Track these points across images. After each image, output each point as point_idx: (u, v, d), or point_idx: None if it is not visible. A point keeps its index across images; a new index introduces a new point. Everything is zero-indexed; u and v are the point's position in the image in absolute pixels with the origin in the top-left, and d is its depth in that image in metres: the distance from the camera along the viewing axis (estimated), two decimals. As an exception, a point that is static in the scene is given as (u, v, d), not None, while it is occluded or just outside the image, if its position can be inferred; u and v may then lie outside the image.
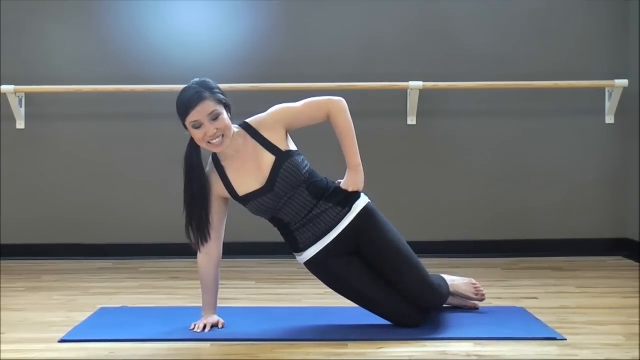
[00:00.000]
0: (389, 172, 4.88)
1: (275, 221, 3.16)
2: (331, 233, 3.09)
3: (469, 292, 3.40)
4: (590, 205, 4.93)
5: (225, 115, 3.00)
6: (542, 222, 4.93)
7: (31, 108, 4.85)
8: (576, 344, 2.91)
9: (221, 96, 3.02)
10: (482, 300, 3.42)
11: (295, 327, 3.15)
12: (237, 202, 3.13)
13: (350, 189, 3.11)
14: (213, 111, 2.96)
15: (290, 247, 3.19)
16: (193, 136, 3.02)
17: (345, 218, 3.10)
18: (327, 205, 3.08)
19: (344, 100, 3.14)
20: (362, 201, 3.15)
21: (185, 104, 2.97)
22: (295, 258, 3.21)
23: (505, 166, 4.94)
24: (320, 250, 3.10)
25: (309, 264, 3.15)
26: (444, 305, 3.40)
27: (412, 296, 3.09)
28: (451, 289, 3.34)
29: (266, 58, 4.86)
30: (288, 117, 3.10)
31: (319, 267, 3.14)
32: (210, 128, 2.96)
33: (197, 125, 2.97)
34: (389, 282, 3.11)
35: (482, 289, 3.43)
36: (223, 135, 2.99)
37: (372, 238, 3.09)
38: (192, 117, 2.96)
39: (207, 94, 2.97)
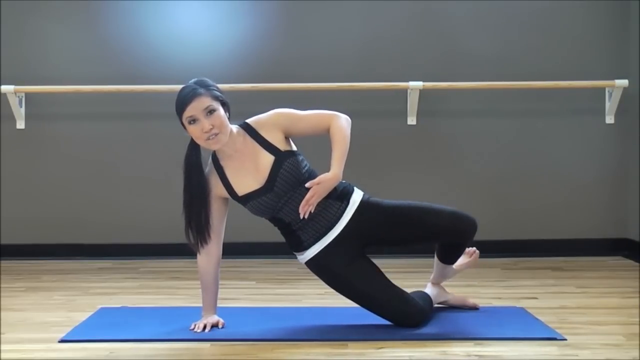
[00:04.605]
0: (389, 172, 4.88)
1: (276, 221, 3.15)
2: (333, 230, 3.09)
3: (463, 258, 3.46)
4: (590, 205, 4.93)
5: (221, 111, 3.00)
6: (542, 222, 4.92)
7: (31, 108, 4.84)
8: (576, 344, 2.91)
9: (217, 93, 3.03)
10: (476, 257, 3.47)
11: (295, 327, 3.14)
12: (236, 202, 3.13)
13: (313, 186, 3.01)
14: (208, 106, 2.97)
15: (291, 246, 3.18)
16: (190, 133, 3.03)
17: (345, 213, 3.10)
18: (326, 202, 3.08)
19: (349, 119, 3.14)
20: (357, 195, 3.16)
21: (181, 100, 2.99)
22: (296, 258, 3.21)
23: (505, 166, 4.94)
24: (323, 249, 3.10)
25: (311, 262, 3.15)
26: (443, 306, 3.42)
27: (448, 235, 3.16)
28: None
29: (266, 58, 4.86)
30: (287, 121, 3.10)
31: (321, 266, 3.13)
32: (205, 123, 2.96)
33: (193, 121, 2.98)
34: (421, 240, 3.20)
35: (471, 248, 3.47)
36: (219, 132, 2.99)
37: (382, 215, 3.11)
38: (188, 112, 2.97)
39: (202, 90, 2.99)
